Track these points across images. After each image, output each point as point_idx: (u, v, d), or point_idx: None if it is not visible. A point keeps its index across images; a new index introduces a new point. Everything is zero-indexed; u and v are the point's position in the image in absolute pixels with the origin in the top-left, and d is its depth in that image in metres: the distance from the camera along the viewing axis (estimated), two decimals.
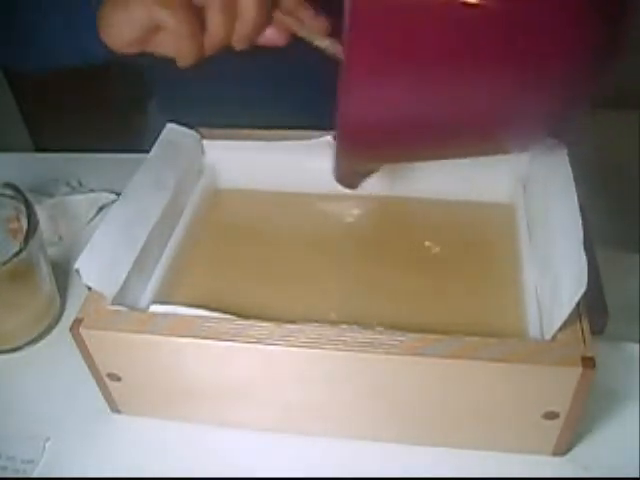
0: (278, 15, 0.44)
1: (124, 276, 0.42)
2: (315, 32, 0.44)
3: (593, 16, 0.34)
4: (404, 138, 0.40)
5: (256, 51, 0.57)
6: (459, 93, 0.36)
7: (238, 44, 0.44)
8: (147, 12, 0.42)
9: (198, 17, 0.42)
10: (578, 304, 0.37)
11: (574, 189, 0.43)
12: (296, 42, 0.57)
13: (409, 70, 0.36)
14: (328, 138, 0.52)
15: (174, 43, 0.43)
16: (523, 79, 0.36)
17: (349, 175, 0.48)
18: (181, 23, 0.41)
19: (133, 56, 0.46)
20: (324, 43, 0.44)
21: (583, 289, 0.36)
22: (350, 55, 0.35)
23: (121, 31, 0.44)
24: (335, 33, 0.43)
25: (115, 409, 0.46)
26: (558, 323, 0.37)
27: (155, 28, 0.43)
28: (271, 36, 0.45)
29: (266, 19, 0.43)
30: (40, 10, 0.51)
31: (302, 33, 0.45)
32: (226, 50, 0.52)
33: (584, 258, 0.37)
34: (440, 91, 0.36)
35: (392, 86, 0.36)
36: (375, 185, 0.52)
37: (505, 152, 0.47)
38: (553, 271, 0.40)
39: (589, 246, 0.46)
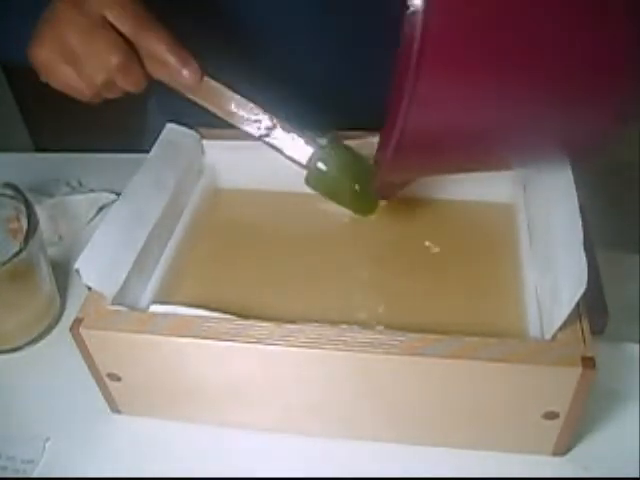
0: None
1: (124, 276, 0.42)
2: (183, 82, 0.45)
3: None
4: (455, 153, 0.40)
5: (256, 51, 0.57)
6: (519, 108, 0.37)
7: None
8: (101, 71, 0.44)
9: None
10: (578, 304, 0.37)
11: (574, 189, 0.43)
12: (297, 42, 0.57)
13: (473, 86, 0.35)
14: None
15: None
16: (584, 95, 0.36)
17: (387, 186, 0.48)
18: (127, 77, 0.44)
19: None
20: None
21: (583, 289, 0.36)
22: (418, 68, 0.34)
23: (69, 84, 0.45)
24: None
25: (115, 409, 0.46)
26: (558, 323, 0.37)
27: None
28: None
29: (142, 83, 0.46)
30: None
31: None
32: (226, 50, 0.53)
33: (584, 258, 0.37)
34: (499, 108, 0.36)
35: (456, 102, 0.36)
36: None
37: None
38: (553, 271, 0.40)
39: (589, 246, 0.46)
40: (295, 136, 0.48)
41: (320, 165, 0.48)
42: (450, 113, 0.36)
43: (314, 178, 0.49)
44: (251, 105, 0.47)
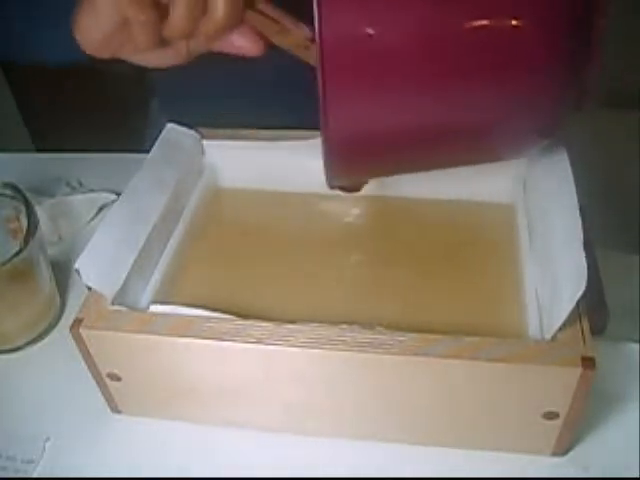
0: (252, 16, 0.41)
1: (124, 276, 0.42)
2: (294, 41, 0.42)
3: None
4: (391, 155, 0.41)
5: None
6: (440, 109, 0.37)
7: (202, 43, 0.43)
8: (112, 7, 0.41)
9: (163, 9, 0.41)
10: (578, 304, 0.37)
11: (574, 189, 0.43)
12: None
13: (387, 91, 0.36)
14: None
15: (134, 34, 0.42)
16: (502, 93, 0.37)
17: (343, 185, 0.49)
18: (140, 11, 0.40)
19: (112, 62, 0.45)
20: (302, 53, 0.42)
21: (583, 289, 0.36)
22: (325, 82, 0.35)
23: (90, 33, 0.43)
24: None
25: (115, 409, 0.46)
26: (558, 323, 0.37)
27: (122, 28, 0.42)
28: (241, 43, 0.43)
29: (235, 20, 0.41)
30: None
31: (277, 40, 0.43)
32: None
33: (584, 258, 0.37)
34: (421, 107, 0.37)
35: (375, 105, 0.37)
36: (375, 185, 0.52)
37: (499, 159, 0.47)
38: (553, 271, 0.40)
39: (589, 246, 0.46)
40: None
41: None
42: (367, 122, 0.38)
43: None
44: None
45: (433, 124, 0.38)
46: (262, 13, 0.42)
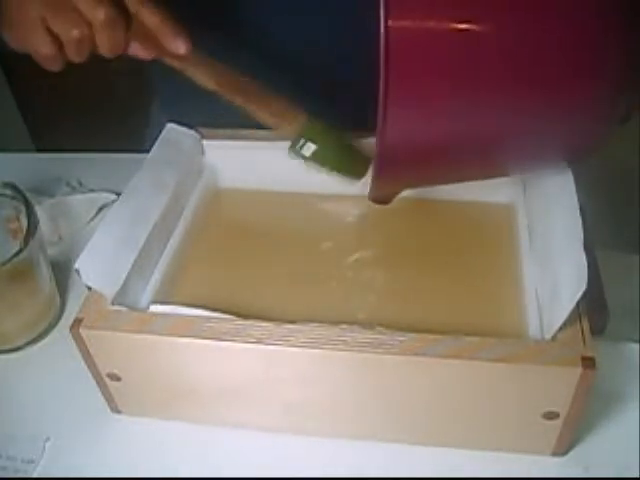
0: (141, 39, 0.45)
1: (124, 276, 0.42)
2: (173, 54, 0.46)
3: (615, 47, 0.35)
4: (441, 166, 0.41)
5: (258, 52, 0.57)
6: (496, 120, 0.37)
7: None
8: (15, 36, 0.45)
9: (55, 40, 0.44)
10: (578, 304, 0.37)
11: (574, 189, 0.43)
12: (299, 43, 0.57)
13: (447, 100, 0.36)
14: None
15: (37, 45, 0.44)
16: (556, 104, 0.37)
17: (384, 196, 0.48)
18: (36, 48, 0.44)
19: None
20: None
21: (583, 289, 0.36)
22: (386, 95, 0.35)
23: (14, 28, 0.46)
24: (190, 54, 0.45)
25: (115, 409, 0.46)
26: (558, 323, 0.37)
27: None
28: (136, 52, 0.46)
29: (123, 43, 0.45)
30: None
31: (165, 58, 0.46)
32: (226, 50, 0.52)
33: (584, 258, 0.37)
34: (478, 120, 0.37)
35: (431, 117, 0.37)
36: None
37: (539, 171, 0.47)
38: (553, 271, 0.40)
39: (589, 246, 0.46)
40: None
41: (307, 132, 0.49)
42: (426, 130, 0.38)
43: (299, 148, 0.49)
44: (238, 77, 0.48)
45: (486, 138, 0.38)
46: (145, 30, 0.45)
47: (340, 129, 0.50)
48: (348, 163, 0.50)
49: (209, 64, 0.47)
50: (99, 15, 0.42)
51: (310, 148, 0.49)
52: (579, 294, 0.36)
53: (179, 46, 0.45)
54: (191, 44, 0.46)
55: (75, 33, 0.43)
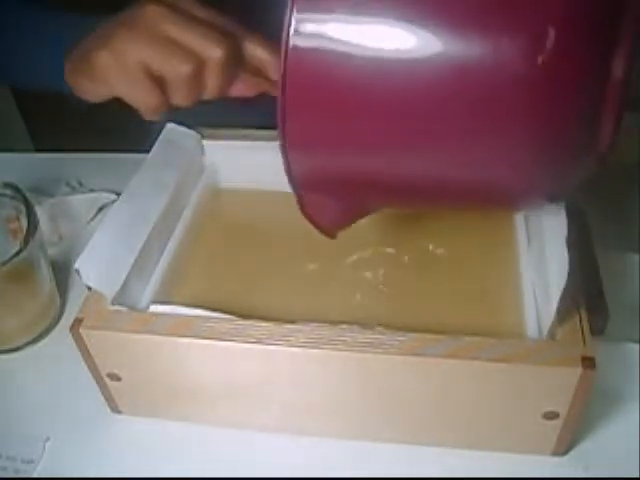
0: (245, 77, 0.43)
1: (124, 276, 0.42)
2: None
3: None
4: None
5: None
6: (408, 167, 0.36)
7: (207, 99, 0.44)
8: (109, 90, 0.43)
9: (159, 86, 0.42)
10: (578, 304, 0.37)
11: None
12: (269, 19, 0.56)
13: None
14: None
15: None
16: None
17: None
18: (140, 99, 0.42)
19: None
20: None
21: (563, 284, 0.36)
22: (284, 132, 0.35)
23: (85, 94, 0.46)
24: None
25: (115, 409, 0.46)
26: (549, 322, 0.37)
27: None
28: (240, 92, 0.44)
29: (231, 83, 0.43)
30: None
31: (273, 91, 0.43)
32: None
33: (566, 254, 0.37)
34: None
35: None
36: None
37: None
38: (545, 270, 0.40)
39: (589, 246, 0.46)
40: None
41: None
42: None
43: None
44: None
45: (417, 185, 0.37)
46: (252, 69, 0.43)
47: None
48: None
49: None
50: (216, 52, 0.40)
51: None
52: (560, 291, 0.36)
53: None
54: None
55: (185, 70, 0.40)
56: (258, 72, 0.44)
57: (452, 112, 0.32)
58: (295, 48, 0.33)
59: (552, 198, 0.38)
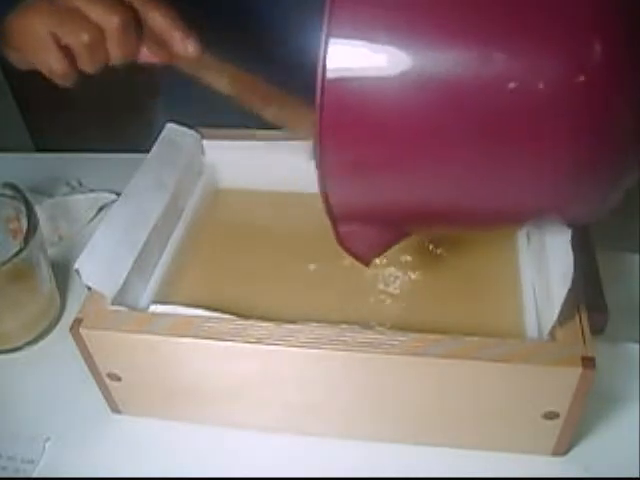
0: (150, 44, 0.45)
1: (124, 276, 0.42)
2: (185, 57, 0.45)
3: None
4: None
5: (257, 52, 0.57)
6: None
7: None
8: (26, 57, 0.45)
9: (66, 54, 0.44)
10: (578, 304, 0.37)
11: None
12: (298, 44, 0.57)
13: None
14: None
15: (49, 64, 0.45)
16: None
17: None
18: (49, 66, 0.44)
19: None
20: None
21: (568, 287, 0.36)
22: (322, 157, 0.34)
23: (14, 62, 0.47)
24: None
25: (115, 409, 0.46)
26: (551, 322, 0.37)
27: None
28: (147, 58, 0.46)
29: (134, 50, 0.45)
30: None
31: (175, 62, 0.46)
32: (227, 50, 0.52)
33: (571, 255, 0.37)
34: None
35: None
36: None
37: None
38: (546, 270, 0.40)
39: (589, 246, 0.46)
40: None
41: None
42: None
43: None
44: (252, 79, 0.48)
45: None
46: (155, 35, 0.45)
47: None
48: None
49: (221, 67, 0.47)
50: (113, 20, 0.42)
51: None
52: (565, 293, 0.36)
53: (189, 48, 0.45)
54: (201, 46, 0.45)
55: (86, 38, 0.42)
56: (163, 42, 0.45)
57: (491, 135, 0.32)
58: (330, 80, 0.32)
59: (593, 217, 0.38)
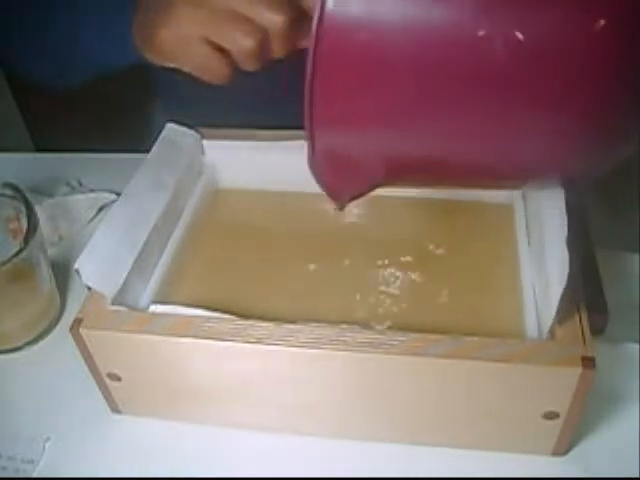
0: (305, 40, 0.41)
1: (124, 276, 0.42)
2: None
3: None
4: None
5: None
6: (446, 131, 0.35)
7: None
8: (176, 64, 0.43)
9: (225, 56, 0.42)
10: (578, 304, 0.37)
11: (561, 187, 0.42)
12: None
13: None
14: None
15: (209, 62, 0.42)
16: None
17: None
18: (208, 71, 0.42)
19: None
20: None
21: (564, 285, 0.36)
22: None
23: (164, 44, 0.43)
24: None
25: (115, 409, 0.46)
26: (549, 322, 0.37)
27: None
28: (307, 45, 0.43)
29: (298, 39, 0.42)
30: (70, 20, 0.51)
31: None
32: None
33: (566, 255, 0.37)
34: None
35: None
36: None
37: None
38: (545, 270, 0.40)
39: (589, 246, 0.46)
40: None
41: None
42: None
43: None
44: None
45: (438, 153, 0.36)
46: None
47: None
48: None
49: None
50: (278, 21, 0.40)
51: None
52: (561, 291, 0.36)
53: None
54: None
55: (249, 44, 0.40)
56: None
57: (488, 84, 0.32)
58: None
59: (592, 173, 0.37)
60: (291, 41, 0.41)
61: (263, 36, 0.40)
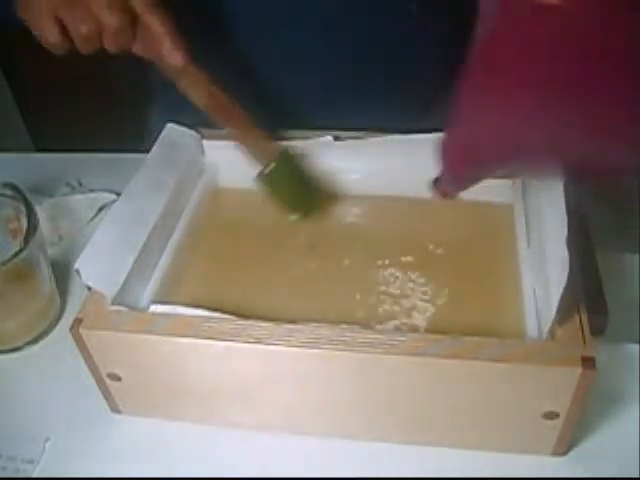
0: (144, 37, 0.46)
1: (124, 276, 0.42)
2: (169, 64, 0.47)
3: None
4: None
5: (255, 51, 0.57)
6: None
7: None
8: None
9: (63, 31, 0.45)
10: (578, 304, 0.37)
11: (562, 188, 0.42)
12: (289, 44, 0.57)
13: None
14: (328, 138, 0.52)
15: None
16: None
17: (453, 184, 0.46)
18: (44, 37, 0.45)
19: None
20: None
21: (564, 285, 0.36)
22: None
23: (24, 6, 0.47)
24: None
25: (115, 409, 0.46)
26: (549, 322, 0.37)
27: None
28: (138, 52, 0.47)
29: (127, 45, 0.46)
30: None
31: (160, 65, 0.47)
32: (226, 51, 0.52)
33: (567, 255, 0.37)
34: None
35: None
36: (375, 185, 0.52)
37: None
38: (545, 270, 0.40)
39: (589, 246, 0.46)
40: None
41: (274, 167, 0.50)
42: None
43: (266, 178, 0.50)
44: (227, 100, 0.49)
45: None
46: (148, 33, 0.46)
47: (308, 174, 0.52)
48: (293, 199, 0.51)
49: (203, 83, 0.48)
50: (111, 21, 0.44)
51: (269, 169, 0.50)
52: (561, 292, 0.36)
53: (175, 58, 0.46)
54: (188, 60, 0.46)
55: (84, 30, 0.44)
56: (154, 45, 0.46)
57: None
58: None
59: None
60: (120, 44, 0.46)
61: (96, 28, 0.45)
